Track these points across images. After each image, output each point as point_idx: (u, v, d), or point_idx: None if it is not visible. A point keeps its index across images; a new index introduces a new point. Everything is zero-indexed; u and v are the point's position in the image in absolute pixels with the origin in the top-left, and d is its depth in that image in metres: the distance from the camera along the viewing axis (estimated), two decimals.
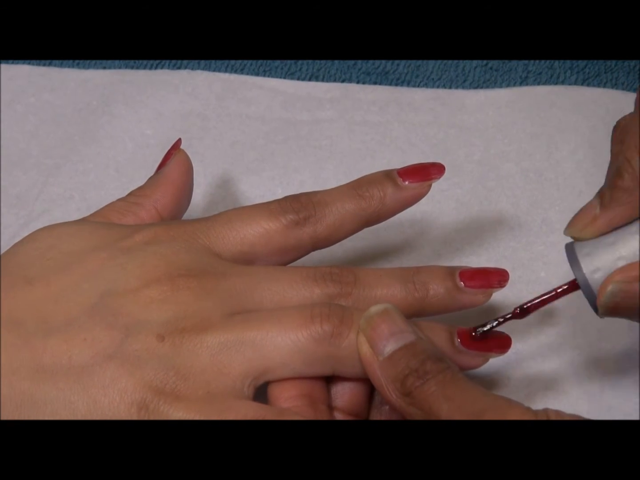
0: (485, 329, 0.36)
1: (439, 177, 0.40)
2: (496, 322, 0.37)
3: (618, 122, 0.38)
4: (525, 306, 0.37)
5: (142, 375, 0.34)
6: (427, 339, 0.35)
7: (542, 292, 0.37)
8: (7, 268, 0.37)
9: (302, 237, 0.39)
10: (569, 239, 0.36)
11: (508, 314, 0.37)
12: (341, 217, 0.39)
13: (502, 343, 0.37)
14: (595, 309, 0.35)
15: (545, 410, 0.31)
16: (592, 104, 0.51)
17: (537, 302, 0.36)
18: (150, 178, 0.42)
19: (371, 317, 0.35)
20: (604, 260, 0.35)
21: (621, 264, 0.34)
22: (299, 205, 0.39)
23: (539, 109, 0.51)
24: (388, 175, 0.40)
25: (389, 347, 0.34)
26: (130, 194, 0.42)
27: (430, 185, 0.40)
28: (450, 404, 0.32)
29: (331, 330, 0.35)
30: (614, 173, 0.35)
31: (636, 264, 0.34)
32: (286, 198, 0.39)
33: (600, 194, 0.36)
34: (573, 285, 0.36)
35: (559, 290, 0.36)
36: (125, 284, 0.36)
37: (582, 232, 0.36)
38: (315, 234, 0.39)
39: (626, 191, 0.35)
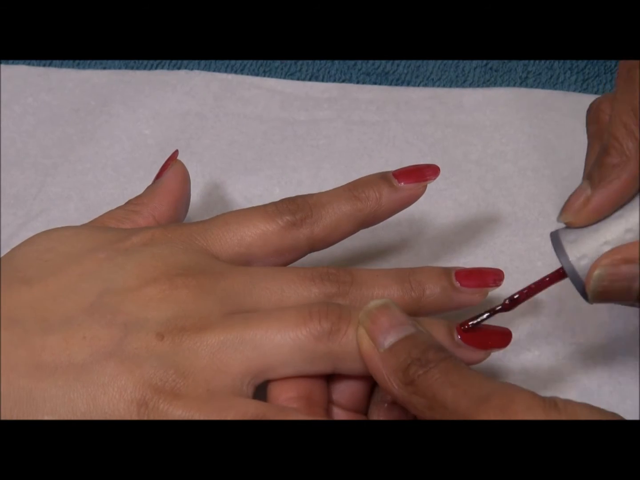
0: (474, 322, 0.36)
1: (434, 178, 0.40)
2: (486, 314, 0.36)
3: (591, 105, 0.37)
4: (514, 297, 0.36)
5: (142, 373, 0.34)
6: (427, 332, 0.35)
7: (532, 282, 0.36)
8: (4, 270, 0.37)
9: (298, 238, 0.39)
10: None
11: (498, 305, 0.36)
12: (337, 218, 0.39)
13: (502, 338, 0.37)
14: (584, 296, 0.35)
15: (553, 398, 0.31)
16: None
17: (526, 292, 0.36)
18: (148, 187, 0.42)
19: (370, 310, 0.35)
20: (589, 247, 0.34)
21: (606, 249, 0.34)
22: (295, 206, 0.39)
23: (537, 110, 0.51)
24: (384, 177, 0.40)
25: (390, 339, 0.34)
26: (129, 202, 0.42)
27: (425, 186, 0.40)
28: (456, 390, 0.31)
29: (329, 327, 0.35)
30: (601, 151, 0.35)
31: (621, 248, 0.34)
32: (282, 200, 0.39)
33: (589, 175, 0.35)
34: (560, 274, 0.36)
35: (546, 279, 0.36)
36: (123, 283, 0.36)
37: (576, 216, 0.35)
38: (311, 235, 0.39)
39: (615, 168, 0.34)
